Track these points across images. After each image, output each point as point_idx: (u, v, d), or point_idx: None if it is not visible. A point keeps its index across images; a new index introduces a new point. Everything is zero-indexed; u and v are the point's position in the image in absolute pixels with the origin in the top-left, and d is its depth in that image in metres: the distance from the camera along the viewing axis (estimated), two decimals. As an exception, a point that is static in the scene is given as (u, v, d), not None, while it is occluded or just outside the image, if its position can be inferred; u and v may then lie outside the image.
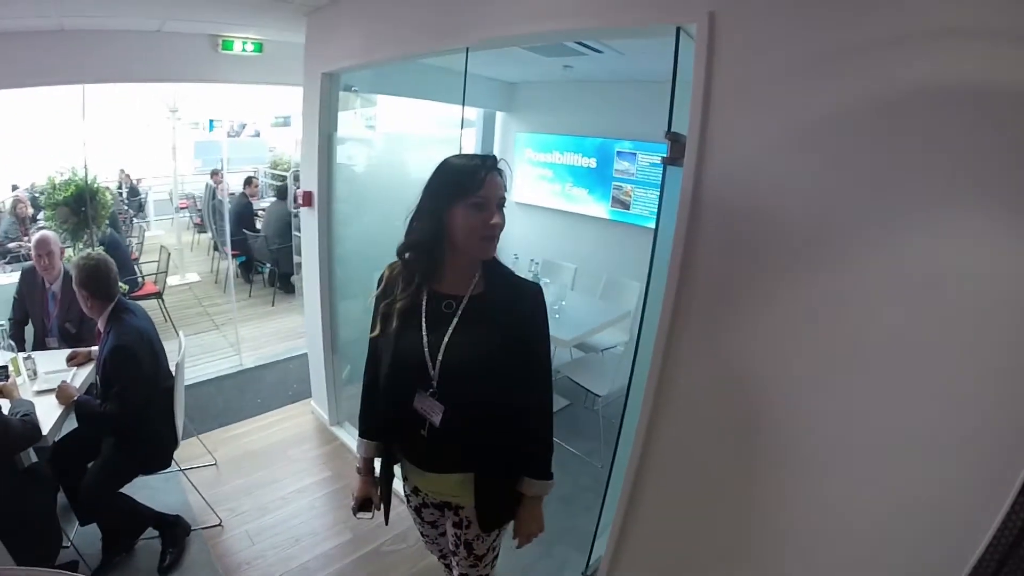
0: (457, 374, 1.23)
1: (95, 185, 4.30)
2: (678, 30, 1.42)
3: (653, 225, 4.40)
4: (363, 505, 1.46)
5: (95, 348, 2.47)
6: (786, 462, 1.30)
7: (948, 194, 1.02)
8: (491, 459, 1.31)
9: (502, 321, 1.24)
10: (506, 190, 1.24)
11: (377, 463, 1.46)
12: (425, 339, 1.25)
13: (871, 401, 1.14)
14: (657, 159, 4.30)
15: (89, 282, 2.08)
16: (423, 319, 1.26)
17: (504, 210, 1.22)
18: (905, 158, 1.07)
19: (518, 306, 1.28)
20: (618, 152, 4.62)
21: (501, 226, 1.20)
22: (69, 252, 3.88)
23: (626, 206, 4.65)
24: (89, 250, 2.89)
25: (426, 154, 2.79)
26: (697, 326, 1.45)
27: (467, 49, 2.11)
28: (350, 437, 3.29)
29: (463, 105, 2.31)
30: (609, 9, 1.51)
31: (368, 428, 1.45)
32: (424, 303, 1.27)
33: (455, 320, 1.25)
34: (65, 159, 4.45)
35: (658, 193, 4.23)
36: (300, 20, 3.09)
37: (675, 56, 1.44)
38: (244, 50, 3.83)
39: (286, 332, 4.94)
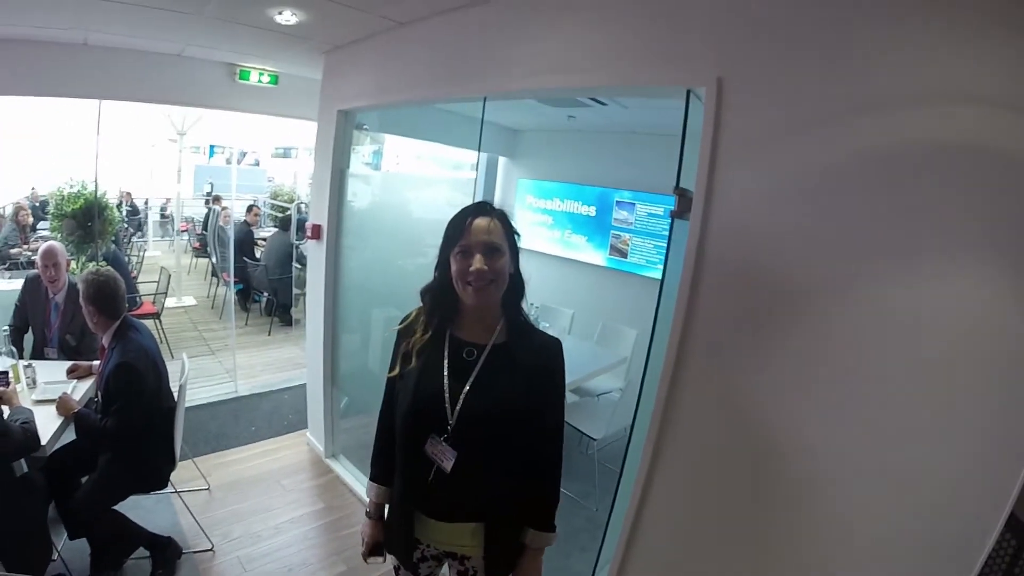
0: (475, 422, 1.22)
1: (104, 200, 4.35)
2: (688, 92, 1.53)
3: (650, 274, 4.60)
4: (374, 550, 1.44)
5: (96, 363, 2.48)
6: (787, 501, 1.35)
7: (926, 243, 1.14)
8: (503, 509, 1.30)
9: (523, 373, 1.25)
10: (516, 236, 1.26)
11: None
12: (446, 384, 1.24)
13: (868, 437, 1.21)
14: (655, 210, 4.50)
15: (97, 298, 2.11)
16: (445, 364, 1.26)
17: (499, 258, 1.20)
18: (888, 211, 1.17)
19: (539, 359, 1.28)
20: (617, 202, 4.77)
21: (485, 272, 1.18)
22: (73, 265, 3.91)
23: (624, 254, 4.78)
24: (98, 265, 2.92)
25: (430, 194, 2.90)
26: (699, 368, 1.52)
27: (484, 98, 2.23)
28: (345, 471, 3.28)
29: (479, 151, 2.42)
30: (628, 69, 1.62)
31: (380, 471, 1.44)
32: (446, 349, 1.28)
33: (477, 368, 1.25)
34: (75, 171, 4.51)
35: (655, 243, 4.48)
36: (318, 57, 3.23)
37: (685, 115, 1.55)
38: (260, 81, 3.96)
39: (282, 362, 4.94)
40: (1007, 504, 1.01)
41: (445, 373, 1.25)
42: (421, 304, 1.35)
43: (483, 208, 1.24)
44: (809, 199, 1.30)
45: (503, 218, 1.25)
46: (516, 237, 1.27)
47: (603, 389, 3.77)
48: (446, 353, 1.28)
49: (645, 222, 4.62)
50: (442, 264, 1.27)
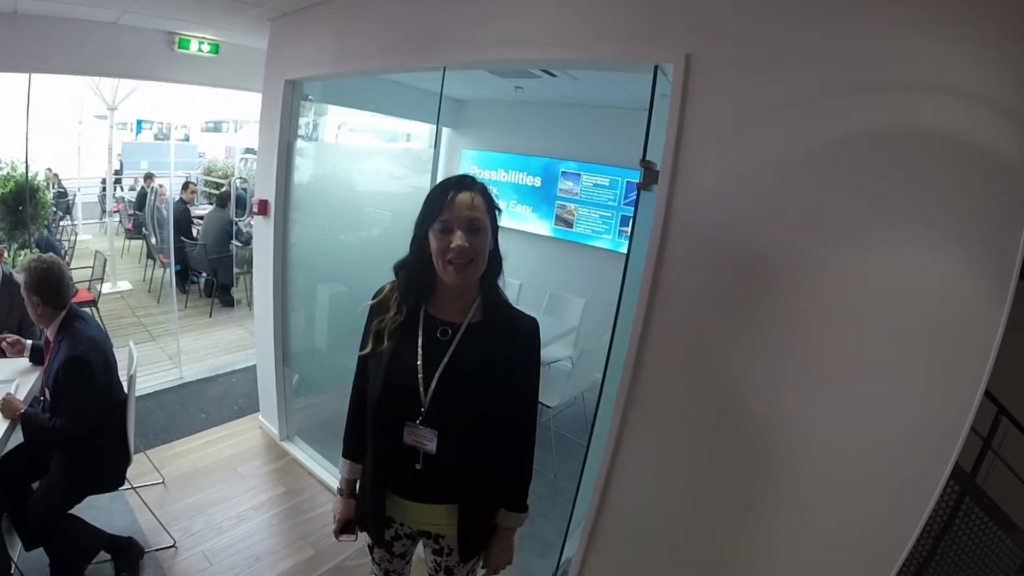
0: (450, 402, 1.20)
1: (35, 183, 3.99)
2: (656, 68, 1.55)
3: (596, 243, 4.67)
4: (346, 527, 1.42)
5: (29, 342, 2.32)
6: (753, 464, 1.43)
7: (889, 223, 1.21)
8: (477, 489, 1.30)
9: (498, 353, 1.22)
10: (498, 212, 1.22)
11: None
12: (420, 365, 1.21)
13: (835, 407, 1.29)
14: (601, 180, 4.60)
15: (42, 287, 1.96)
16: (419, 343, 1.23)
17: (482, 236, 1.16)
18: (852, 192, 1.25)
19: (515, 339, 1.26)
20: (563, 172, 4.82)
21: (468, 249, 1.14)
22: (6, 255, 3.59)
23: (569, 224, 4.85)
24: (31, 253, 2.70)
25: (381, 166, 2.83)
26: (665, 338, 1.57)
27: (444, 68, 2.17)
28: (301, 452, 3.22)
29: (437, 125, 2.37)
30: (598, 44, 1.62)
31: (353, 448, 1.40)
32: (421, 328, 1.25)
33: (452, 348, 1.22)
34: (4, 153, 4.11)
35: (601, 213, 4.56)
36: (263, 24, 3.06)
37: (652, 91, 1.57)
38: (200, 50, 3.73)
39: (227, 344, 4.77)
40: (951, 455, 1.11)
41: (419, 353, 1.22)
42: (394, 279, 1.30)
43: (465, 182, 1.18)
44: (775, 177, 1.35)
45: (485, 193, 1.20)
46: (497, 213, 1.22)
47: (554, 358, 3.83)
48: (420, 332, 1.24)
49: (591, 192, 4.70)
50: (418, 239, 1.21)
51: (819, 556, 1.34)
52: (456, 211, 1.14)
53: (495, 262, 1.25)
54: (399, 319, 1.25)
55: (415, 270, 1.24)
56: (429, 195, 1.21)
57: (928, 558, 1.47)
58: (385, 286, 1.33)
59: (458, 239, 1.13)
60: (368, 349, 1.29)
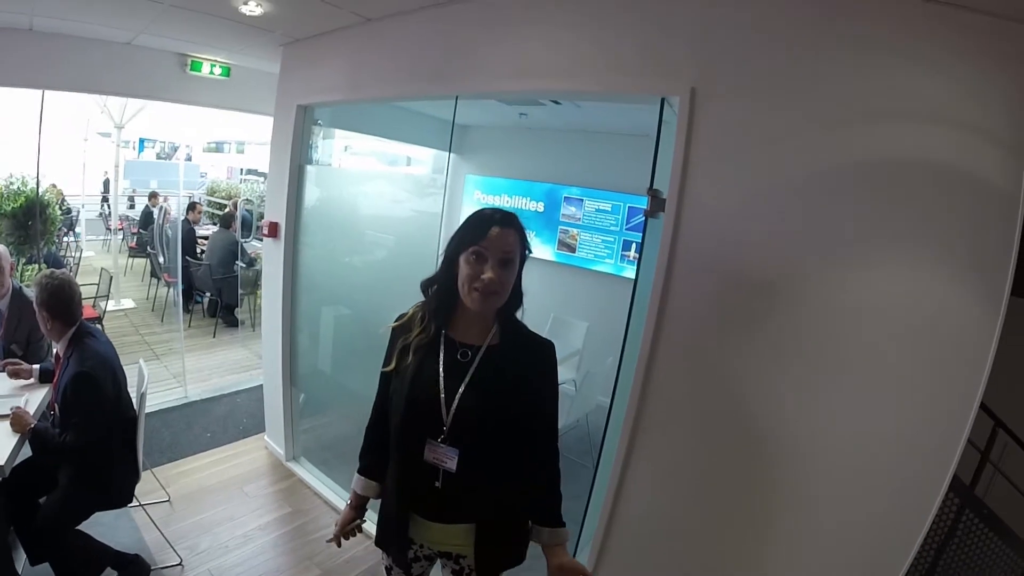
0: (471, 421, 1.23)
1: (46, 199, 4.03)
2: (663, 100, 1.62)
3: (599, 268, 4.72)
4: (346, 532, 1.43)
5: (36, 366, 2.33)
6: (760, 477, 1.48)
7: (874, 245, 1.30)
8: (499, 509, 1.30)
9: (517, 374, 1.26)
10: (528, 252, 1.27)
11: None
12: (442, 383, 1.25)
13: (837, 422, 1.35)
14: (604, 205, 4.67)
15: (52, 303, 1.99)
16: (440, 363, 1.27)
17: (510, 271, 1.22)
18: (850, 214, 1.33)
19: (532, 361, 1.30)
20: (565, 198, 4.89)
21: (496, 282, 1.18)
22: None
23: (572, 249, 4.92)
24: (39, 268, 2.73)
25: (384, 190, 2.90)
26: (672, 355, 1.63)
27: (456, 97, 2.24)
28: (307, 473, 3.22)
29: (449, 152, 2.44)
30: (608, 76, 1.70)
31: (368, 465, 1.43)
32: (442, 348, 1.29)
33: (472, 369, 1.26)
34: (12, 167, 4.15)
35: (603, 238, 4.63)
36: (275, 50, 3.14)
37: (659, 122, 1.64)
38: (212, 73, 3.81)
39: (231, 365, 4.77)
40: (950, 467, 1.16)
41: (441, 372, 1.27)
42: (421, 300, 1.35)
43: (509, 220, 1.23)
44: (776, 202, 1.42)
45: (521, 232, 1.25)
46: (527, 252, 1.28)
47: (558, 381, 3.86)
48: (441, 352, 1.28)
49: (593, 217, 4.76)
50: (449, 262, 1.26)
51: (826, 564, 1.38)
52: (493, 244, 1.19)
53: (516, 296, 1.30)
54: (424, 338, 1.30)
55: (444, 290, 1.27)
56: (469, 220, 1.25)
57: (931, 570, 1.50)
58: (408, 311, 1.38)
59: (489, 271, 1.18)
60: (392, 366, 1.33)
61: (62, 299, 2.01)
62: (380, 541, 1.41)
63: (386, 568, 1.49)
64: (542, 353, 1.33)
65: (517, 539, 1.36)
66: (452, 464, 1.23)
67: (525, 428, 1.26)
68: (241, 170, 11.62)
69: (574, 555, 2.09)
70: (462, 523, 1.30)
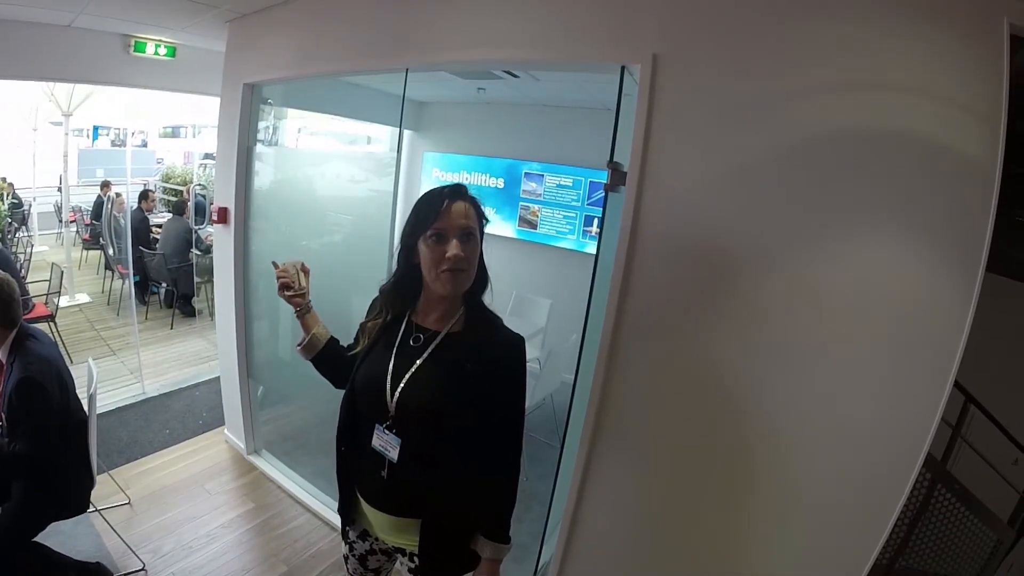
0: (414, 409, 1.17)
1: None
2: (623, 69, 1.55)
3: (561, 244, 4.68)
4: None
5: None
6: (730, 459, 1.46)
7: (843, 223, 1.25)
8: (442, 506, 1.23)
9: (471, 366, 1.17)
10: (485, 220, 1.21)
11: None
12: (391, 366, 1.21)
13: (808, 400, 1.32)
14: (565, 180, 4.63)
15: None
16: (395, 347, 1.23)
17: (473, 244, 1.16)
18: (819, 190, 1.27)
19: (495, 357, 1.20)
20: (526, 173, 4.83)
21: (463, 258, 1.13)
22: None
23: (533, 225, 4.87)
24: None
25: (338, 170, 2.78)
26: (636, 333, 1.58)
27: (407, 71, 2.14)
28: (269, 466, 3.13)
29: (400, 128, 2.33)
30: (563, 44, 1.62)
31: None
32: (401, 332, 1.25)
33: (424, 355, 1.20)
34: None
35: (565, 213, 4.58)
36: (221, 27, 2.97)
37: (619, 92, 1.57)
38: (156, 53, 3.60)
39: (189, 357, 4.62)
40: (924, 445, 1.14)
41: (394, 354, 1.23)
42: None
43: (460, 191, 1.17)
44: (743, 176, 1.37)
45: (476, 203, 1.19)
46: (485, 221, 1.21)
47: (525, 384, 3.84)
48: (399, 336, 1.25)
49: (554, 193, 4.73)
50: (407, 250, 1.20)
51: (800, 545, 1.37)
52: (451, 220, 1.13)
53: (482, 275, 1.24)
54: (379, 321, 1.29)
55: (405, 283, 1.25)
56: (419, 204, 1.18)
57: (903, 543, 1.52)
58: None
59: (454, 247, 1.12)
60: (359, 347, 1.33)
61: (2, 300, 1.86)
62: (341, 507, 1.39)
63: (343, 557, 1.48)
64: (509, 350, 1.24)
65: (467, 545, 1.30)
66: (394, 454, 1.19)
67: (477, 428, 1.19)
68: (199, 155, 11.23)
69: (542, 542, 2.09)
70: (409, 517, 1.25)
